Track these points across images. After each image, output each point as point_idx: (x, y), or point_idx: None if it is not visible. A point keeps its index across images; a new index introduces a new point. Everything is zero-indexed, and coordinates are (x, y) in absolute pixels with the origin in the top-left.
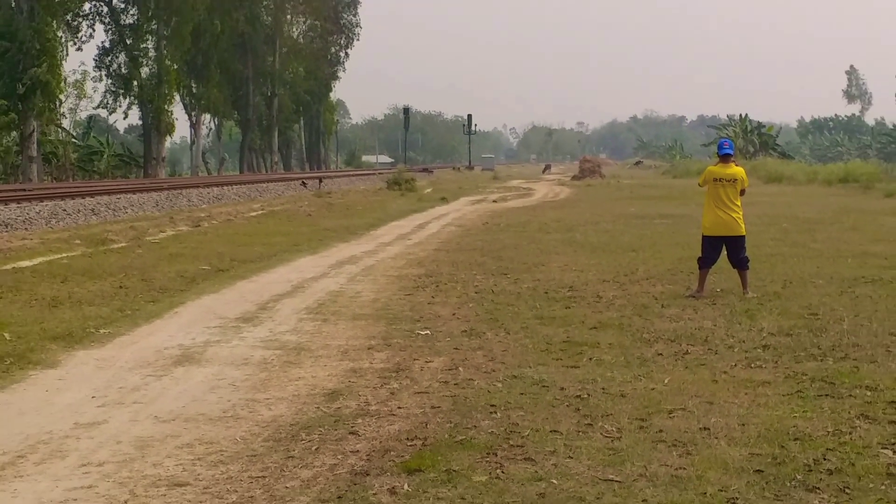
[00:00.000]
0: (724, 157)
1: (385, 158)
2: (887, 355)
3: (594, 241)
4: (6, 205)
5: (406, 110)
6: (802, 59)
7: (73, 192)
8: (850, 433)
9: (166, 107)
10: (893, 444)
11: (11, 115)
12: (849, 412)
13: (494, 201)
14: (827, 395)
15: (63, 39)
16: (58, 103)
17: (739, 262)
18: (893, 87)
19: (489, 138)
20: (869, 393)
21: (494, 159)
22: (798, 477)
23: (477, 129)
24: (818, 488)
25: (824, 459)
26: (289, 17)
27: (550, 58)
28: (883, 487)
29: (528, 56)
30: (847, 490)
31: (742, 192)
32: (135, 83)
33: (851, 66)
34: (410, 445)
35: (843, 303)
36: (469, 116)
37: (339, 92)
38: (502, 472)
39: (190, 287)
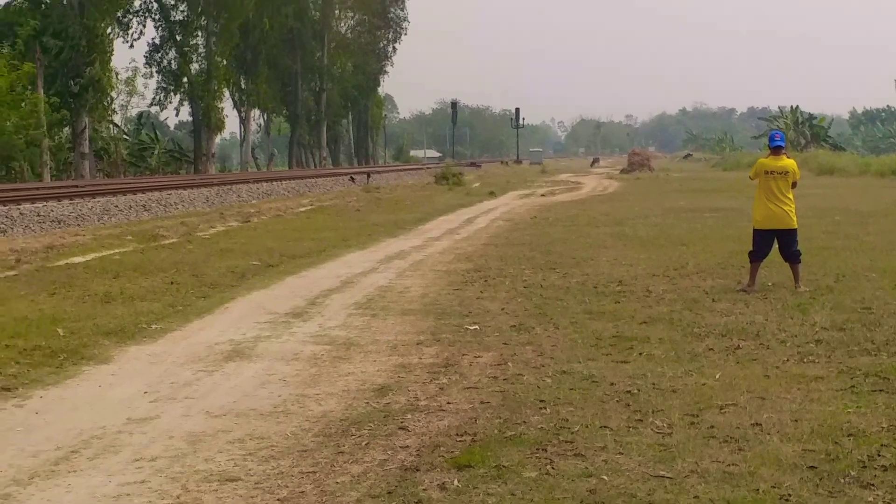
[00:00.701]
0: (775, 150)
1: (433, 153)
2: None
3: (643, 235)
4: (59, 201)
5: (454, 104)
6: (853, 47)
7: (124, 188)
8: None
9: (216, 103)
10: None
11: (64, 111)
12: None
13: (542, 195)
14: (881, 390)
15: (113, 36)
16: (109, 100)
17: (791, 255)
18: None
19: (537, 132)
20: None
21: (542, 153)
22: (852, 473)
23: (525, 123)
24: (873, 485)
25: (879, 455)
26: (337, 11)
27: (599, 51)
28: None
29: (577, 49)
30: None
31: (794, 185)
32: (185, 79)
33: None
34: (460, 441)
35: None
36: (517, 110)
37: (386, 86)
38: (552, 468)
39: (240, 282)
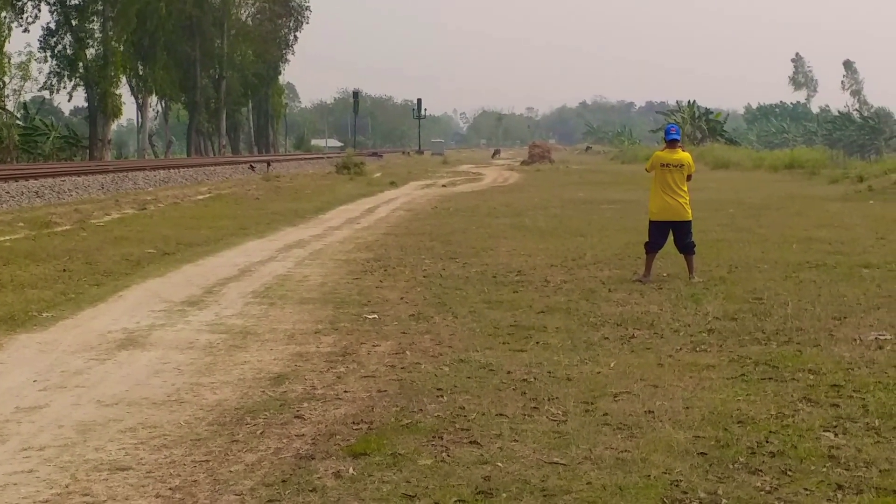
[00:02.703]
0: (671, 143)
1: (334, 142)
2: (830, 339)
3: (542, 226)
4: None
5: (356, 94)
6: (750, 46)
7: (16, 174)
8: (793, 416)
9: (112, 88)
10: (835, 426)
11: None
12: (791, 395)
13: (444, 186)
14: (770, 378)
15: (6, 20)
16: (1, 84)
17: (686, 247)
18: (838, 74)
19: (439, 123)
20: (812, 376)
21: (444, 144)
22: (741, 459)
23: (427, 114)
24: (761, 471)
25: (767, 442)
26: None
27: (501, 43)
28: (824, 469)
29: (479, 41)
30: (789, 472)
31: (689, 178)
32: (80, 64)
33: (797, 54)
34: (356, 429)
35: (788, 287)
36: (419, 101)
37: (288, 75)
38: (448, 456)
39: (135, 270)
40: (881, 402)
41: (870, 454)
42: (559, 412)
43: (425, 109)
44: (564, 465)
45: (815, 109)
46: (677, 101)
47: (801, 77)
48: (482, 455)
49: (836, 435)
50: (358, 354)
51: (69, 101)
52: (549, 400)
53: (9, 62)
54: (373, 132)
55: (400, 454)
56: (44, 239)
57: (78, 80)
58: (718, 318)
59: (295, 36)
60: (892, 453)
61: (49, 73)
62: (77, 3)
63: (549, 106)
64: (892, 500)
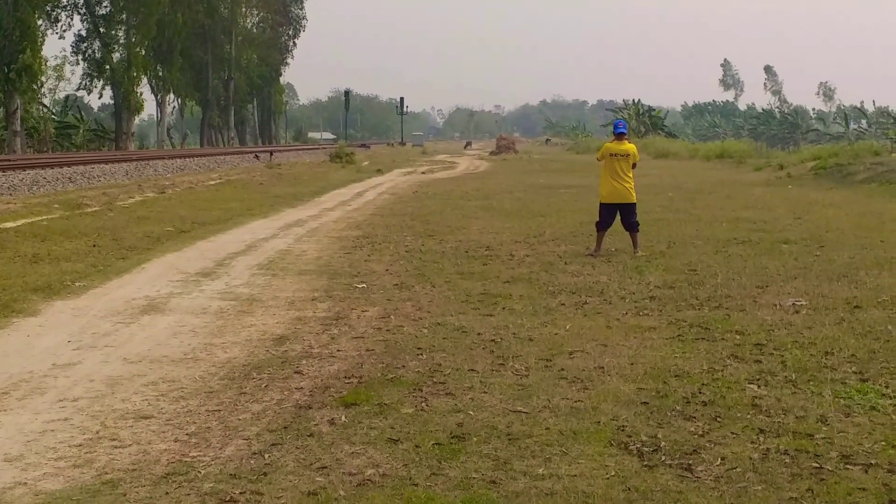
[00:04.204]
0: (619, 136)
1: (328, 135)
2: (754, 305)
3: (508, 208)
4: None
5: (347, 93)
6: (686, 52)
7: (52, 162)
8: (722, 371)
9: (135, 88)
10: (758, 379)
11: None
12: (721, 353)
13: (423, 173)
14: (703, 338)
15: (43, 28)
16: (39, 84)
17: (631, 225)
18: (761, 77)
19: (419, 118)
20: (738, 337)
21: (423, 137)
22: (678, 408)
23: (408, 110)
24: (694, 417)
25: (700, 393)
26: (243, 9)
27: (473, 46)
28: (749, 416)
29: (454, 45)
30: (719, 419)
31: (634, 166)
32: (107, 67)
33: (725, 60)
34: (348, 383)
35: (718, 260)
36: (401, 99)
37: (288, 76)
38: (427, 405)
39: (155, 246)
40: (797, 359)
41: (787, 403)
42: (522, 368)
43: (407, 107)
44: (527, 413)
45: (742, 107)
46: (624, 100)
47: (730, 79)
48: (456, 405)
49: (758, 387)
50: (349, 318)
51: (99, 98)
52: (513, 357)
53: (45, 65)
54: (362, 126)
55: (385, 404)
56: (76, 218)
57: (105, 80)
58: (659, 287)
59: (294, 42)
60: (807, 402)
61: (82, 75)
62: (104, 13)
63: (513, 103)
64: (806, 442)
